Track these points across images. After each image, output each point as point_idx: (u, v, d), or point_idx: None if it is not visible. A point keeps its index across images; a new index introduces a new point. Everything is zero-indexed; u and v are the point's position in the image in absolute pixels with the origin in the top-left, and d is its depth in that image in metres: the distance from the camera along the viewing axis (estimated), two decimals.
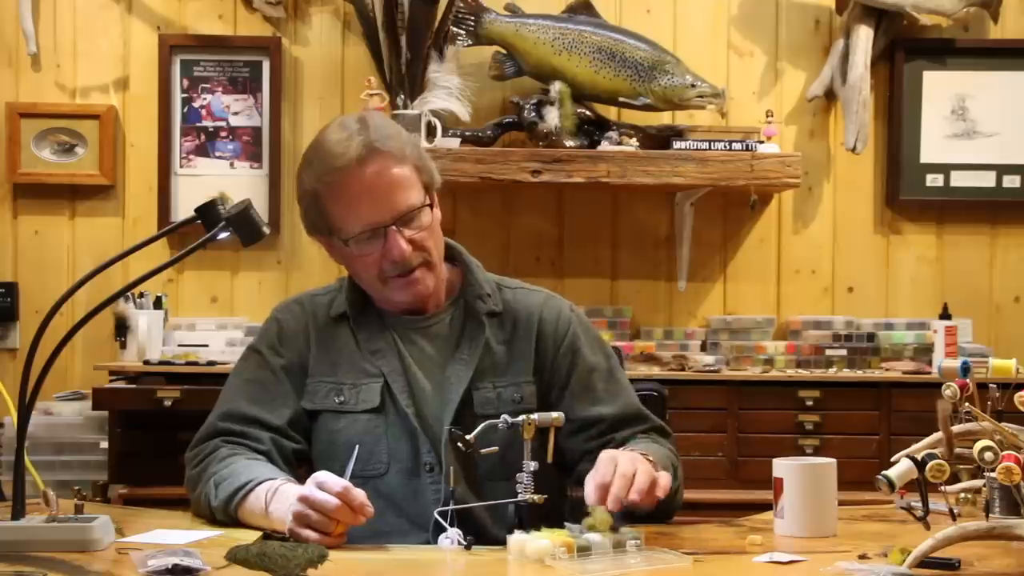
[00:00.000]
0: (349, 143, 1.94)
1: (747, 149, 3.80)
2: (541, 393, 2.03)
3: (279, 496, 1.79)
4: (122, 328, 3.79)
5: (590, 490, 1.73)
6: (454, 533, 1.78)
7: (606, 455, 1.80)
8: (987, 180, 4.13)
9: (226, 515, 1.87)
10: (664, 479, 1.78)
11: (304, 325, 2.07)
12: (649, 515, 1.82)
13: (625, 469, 1.75)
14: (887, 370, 3.81)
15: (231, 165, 4.08)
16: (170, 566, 1.52)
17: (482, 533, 1.86)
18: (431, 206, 2.01)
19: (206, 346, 3.80)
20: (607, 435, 2.02)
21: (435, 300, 2.06)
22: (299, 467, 2.03)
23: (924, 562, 1.53)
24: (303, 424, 2.03)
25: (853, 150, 3.98)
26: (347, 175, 1.93)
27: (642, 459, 1.80)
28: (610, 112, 4.02)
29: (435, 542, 1.82)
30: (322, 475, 1.74)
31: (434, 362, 2.02)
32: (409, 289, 1.99)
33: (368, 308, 2.06)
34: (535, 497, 1.79)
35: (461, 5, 3.90)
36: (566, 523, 1.71)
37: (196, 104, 4.06)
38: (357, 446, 1.89)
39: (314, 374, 2.04)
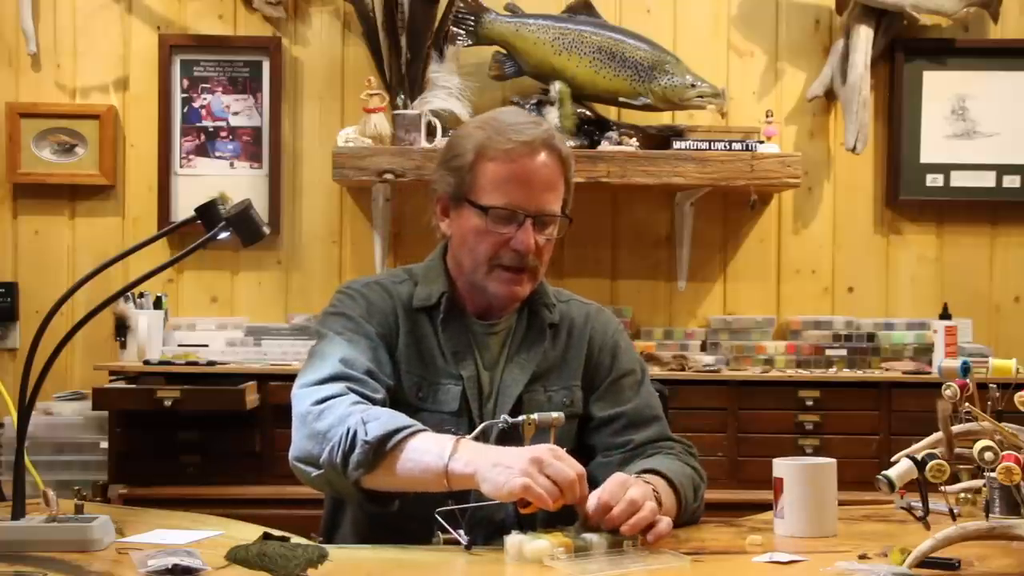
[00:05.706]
0: (537, 127, 1.99)
1: (747, 149, 3.80)
2: (584, 396, 2.07)
3: (467, 447, 1.73)
4: (122, 328, 3.78)
5: (592, 503, 1.70)
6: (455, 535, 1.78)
7: (618, 476, 1.77)
8: (987, 180, 4.13)
9: (375, 454, 1.75)
10: (664, 527, 1.72)
11: (392, 306, 2.03)
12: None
13: (634, 495, 1.71)
14: (887, 370, 3.81)
15: (231, 165, 4.07)
16: (170, 566, 1.52)
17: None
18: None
19: (206, 346, 3.80)
20: (627, 433, 2.04)
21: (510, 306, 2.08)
22: None
23: (924, 562, 1.53)
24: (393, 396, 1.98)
25: (853, 150, 3.98)
26: (525, 149, 1.96)
27: (652, 495, 1.76)
28: (610, 112, 4.02)
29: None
30: (555, 448, 1.71)
31: (496, 365, 2.04)
32: (508, 286, 2.00)
33: (454, 306, 2.05)
34: None
35: (461, 5, 3.90)
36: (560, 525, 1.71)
37: (196, 104, 4.06)
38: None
39: (400, 360, 2.00)
